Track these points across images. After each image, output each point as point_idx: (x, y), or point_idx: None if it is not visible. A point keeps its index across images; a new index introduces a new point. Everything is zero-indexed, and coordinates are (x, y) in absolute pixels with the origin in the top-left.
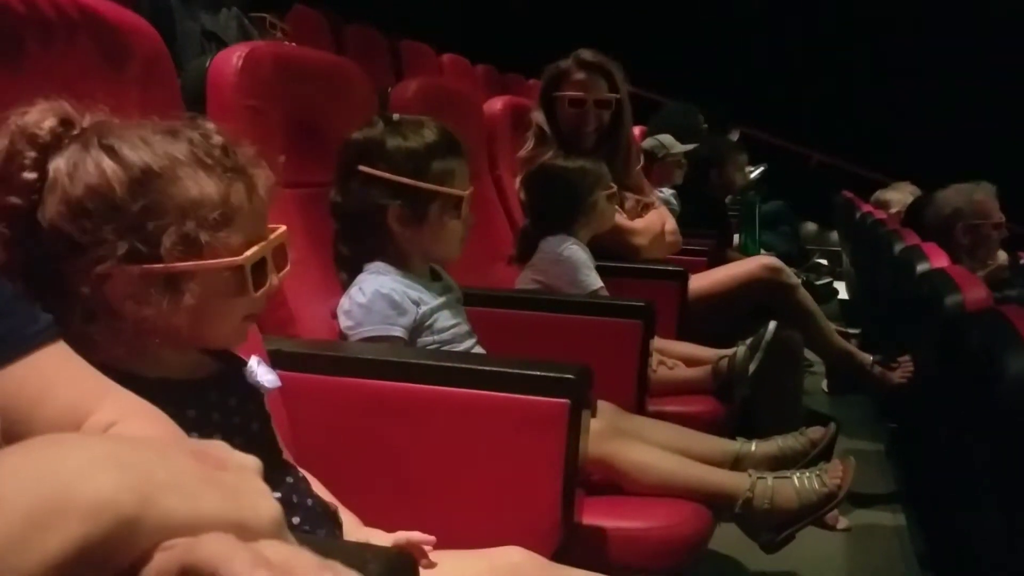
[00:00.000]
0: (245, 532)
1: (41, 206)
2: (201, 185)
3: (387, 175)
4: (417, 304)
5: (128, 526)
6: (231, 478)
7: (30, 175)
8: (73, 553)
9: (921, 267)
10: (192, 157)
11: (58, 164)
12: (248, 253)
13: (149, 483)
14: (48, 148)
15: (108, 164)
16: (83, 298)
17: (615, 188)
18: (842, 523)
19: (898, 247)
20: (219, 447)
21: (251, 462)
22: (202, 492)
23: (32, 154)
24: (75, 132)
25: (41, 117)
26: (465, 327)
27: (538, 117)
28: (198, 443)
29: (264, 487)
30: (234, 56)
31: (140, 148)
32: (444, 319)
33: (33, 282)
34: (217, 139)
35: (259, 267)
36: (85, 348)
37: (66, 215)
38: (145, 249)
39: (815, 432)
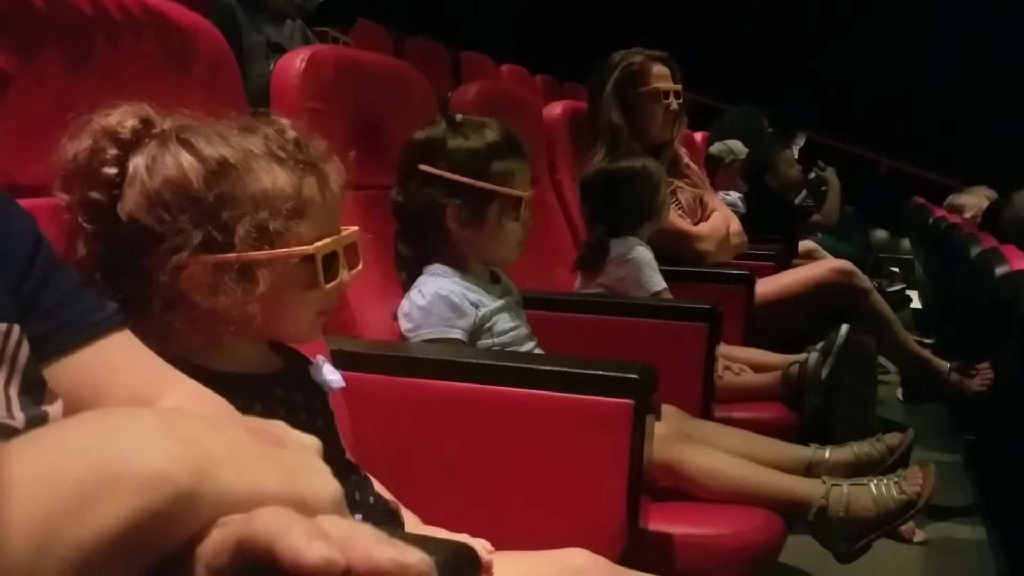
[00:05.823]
0: (304, 509)
1: (121, 200)
2: (275, 177)
3: (447, 174)
4: (476, 306)
5: (184, 499)
6: (289, 455)
7: (111, 170)
8: (127, 525)
9: (1000, 269)
10: (266, 150)
11: (137, 160)
12: (319, 244)
13: (205, 456)
14: (129, 146)
15: (185, 157)
16: (161, 288)
17: (672, 183)
18: (919, 536)
19: (975, 250)
20: (278, 426)
21: (310, 441)
22: (260, 467)
23: (113, 151)
24: (155, 131)
25: (123, 117)
26: (525, 330)
27: (612, 117)
28: (256, 421)
29: (323, 466)
30: (297, 59)
31: (216, 142)
32: (504, 321)
33: (114, 274)
34: (291, 134)
35: (330, 261)
36: (165, 338)
37: (144, 207)
38: (220, 238)
39: (892, 438)
